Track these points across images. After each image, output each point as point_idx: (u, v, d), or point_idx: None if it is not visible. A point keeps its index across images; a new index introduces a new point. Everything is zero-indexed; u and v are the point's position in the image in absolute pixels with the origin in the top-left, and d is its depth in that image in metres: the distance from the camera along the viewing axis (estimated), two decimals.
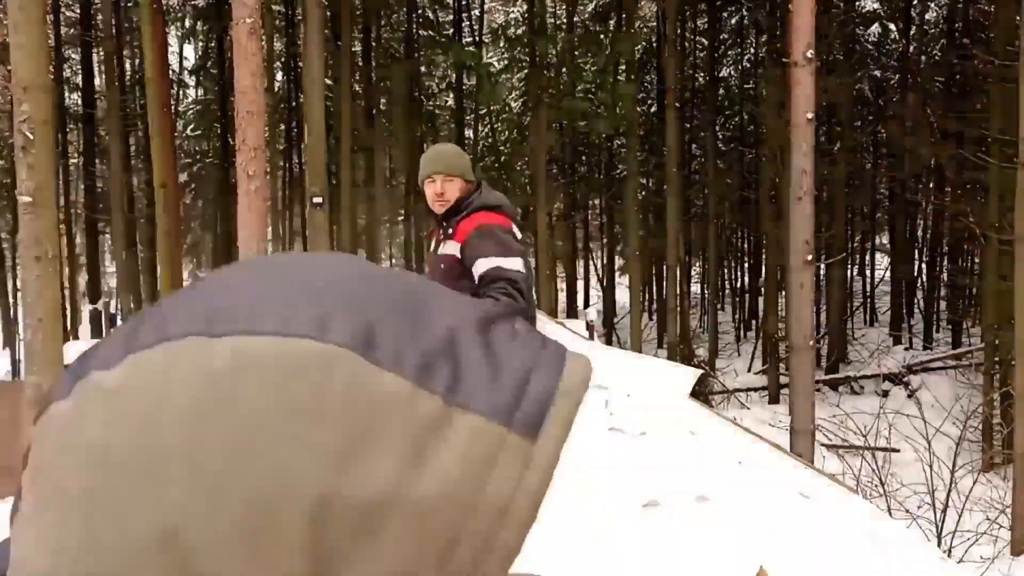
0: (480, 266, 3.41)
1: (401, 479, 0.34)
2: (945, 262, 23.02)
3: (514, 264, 3.39)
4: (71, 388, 0.39)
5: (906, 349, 20.93)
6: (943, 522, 9.49)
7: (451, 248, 3.55)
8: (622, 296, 26.61)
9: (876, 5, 19.28)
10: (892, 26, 20.37)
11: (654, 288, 29.34)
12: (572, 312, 25.40)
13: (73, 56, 22.95)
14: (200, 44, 23.29)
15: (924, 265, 23.81)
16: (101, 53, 20.06)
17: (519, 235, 3.65)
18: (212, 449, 0.34)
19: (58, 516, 0.36)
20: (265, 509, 0.33)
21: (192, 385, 0.36)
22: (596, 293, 30.71)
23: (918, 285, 24.00)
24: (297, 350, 0.36)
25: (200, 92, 25.50)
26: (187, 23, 23.38)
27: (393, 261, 30.95)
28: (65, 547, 0.36)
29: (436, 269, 3.60)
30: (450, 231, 3.60)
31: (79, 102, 21.93)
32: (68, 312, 19.96)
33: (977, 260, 23.85)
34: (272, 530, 0.33)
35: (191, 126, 24.84)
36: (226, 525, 0.34)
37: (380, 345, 0.36)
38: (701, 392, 18.01)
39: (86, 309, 21.43)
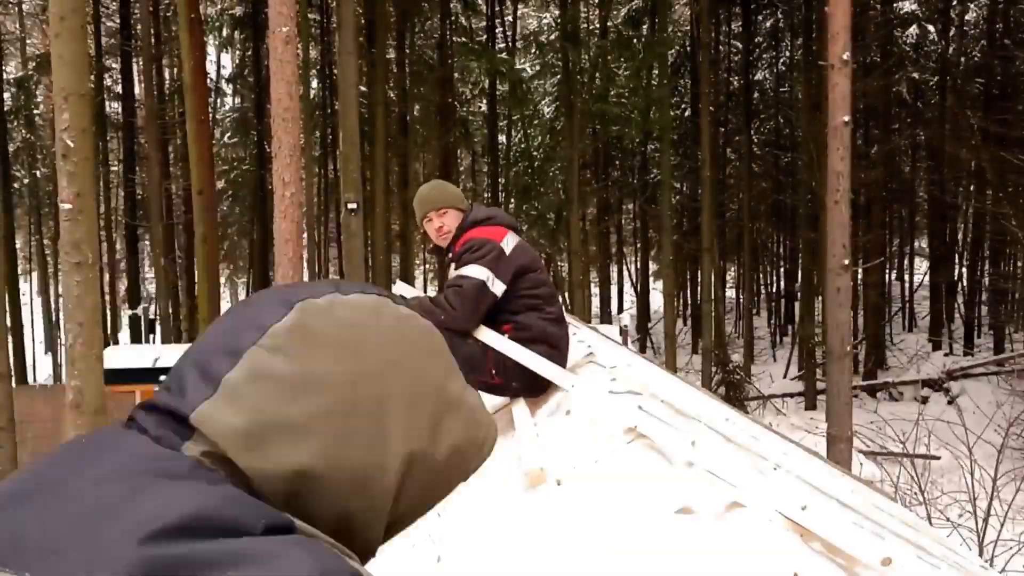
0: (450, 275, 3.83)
1: (464, 391, 0.80)
2: (986, 266, 22.61)
3: (470, 271, 3.70)
4: (313, 294, 0.72)
5: (946, 355, 20.59)
6: (985, 531, 9.31)
7: (455, 271, 3.82)
8: (656, 301, 26.48)
9: (914, 6, 19.02)
10: (931, 27, 20.07)
11: (688, 293, 29.18)
12: (606, 317, 25.32)
13: (113, 65, 23.36)
14: (237, 53, 23.59)
15: (964, 269, 23.40)
16: (140, 62, 20.39)
17: (512, 240, 3.85)
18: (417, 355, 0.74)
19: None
20: (439, 399, 0.74)
21: (393, 316, 0.73)
22: (630, 298, 30.60)
23: (958, 289, 23.59)
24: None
25: (237, 100, 25.83)
26: (224, 32, 23.68)
27: (427, 266, 31.08)
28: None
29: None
30: (451, 256, 3.93)
31: (119, 110, 22.31)
32: (108, 317, 20.29)
33: (1019, 263, 23.45)
34: (437, 410, 0.74)
35: (228, 133, 25.15)
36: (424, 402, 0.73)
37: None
38: (735, 397, 17.86)
39: (126, 314, 21.78)
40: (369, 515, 0.69)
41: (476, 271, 3.69)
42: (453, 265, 3.84)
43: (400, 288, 5.70)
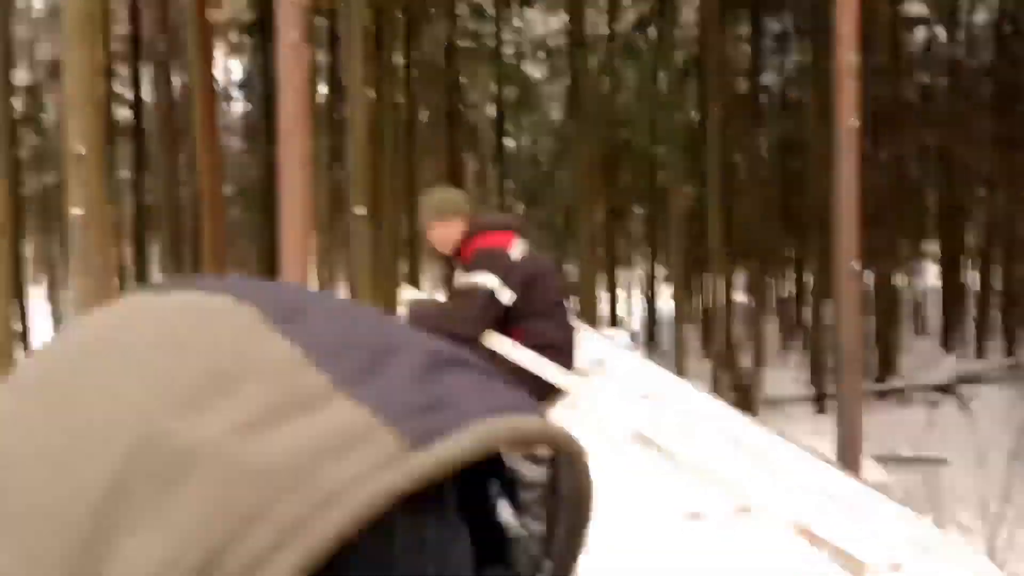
0: (458, 281, 3.82)
1: (235, 435, 0.29)
2: (997, 270, 22.50)
3: (479, 279, 3.68)
4: None
5: (957, 359, 20.48)
6: (996, 536, 9.24)
7: (462, 277, 3.82)
8: (665, 306, 26.42)
9: (923, 9, 18.97)
10: (939, 30, 20.01)
11: (698, 297, 29.10)
12: (614, 322, 25.29)
13: (122, 72, 23.45)
14: (246, 59, 23.68)
15: (976, 273, 23.28)
16: (150, 69, 20.47)
17: (520, 247, 3.84)
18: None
19: None
20: (91, 429, 0.30)
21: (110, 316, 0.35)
22: (638, 303, 30.54)
23: (969, 294, 23.48)
24: (207, 298, 0.34)
25: (246, 106, 25.93)
26: (233, 39, 23.80)
27: (435, 272, 31.11)
28: None
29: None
30: (458, 263, 3.92)
31: (129, 116, 22.40)
32: None
33: None
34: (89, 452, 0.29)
35: (237, 140, 25.24)
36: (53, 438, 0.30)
37: (296, 323, 0.33)
38: (745, 402, 17.80)
39: None
40: None
41: (485, 279, 3.69)
42: (460, 272, 3.84)
43: (408, 293, 5.70)
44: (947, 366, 19.41)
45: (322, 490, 0.27)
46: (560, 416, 3.65)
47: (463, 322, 3.66)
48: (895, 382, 19.34)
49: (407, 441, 0.29)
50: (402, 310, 4.06)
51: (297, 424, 0.29)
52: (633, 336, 14.13)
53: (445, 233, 3.97)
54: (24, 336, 17.29)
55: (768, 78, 24.74)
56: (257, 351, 0.31)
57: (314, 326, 0.33)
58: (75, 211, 6.20)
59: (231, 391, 0.30)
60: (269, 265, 20.50)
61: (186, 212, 20.43)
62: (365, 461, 0.28)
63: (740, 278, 28.07)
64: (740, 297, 27.87)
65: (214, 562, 0.27)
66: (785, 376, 21.75)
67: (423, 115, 23.00)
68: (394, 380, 0.31)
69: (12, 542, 0.29)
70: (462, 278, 3.79)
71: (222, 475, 0.28)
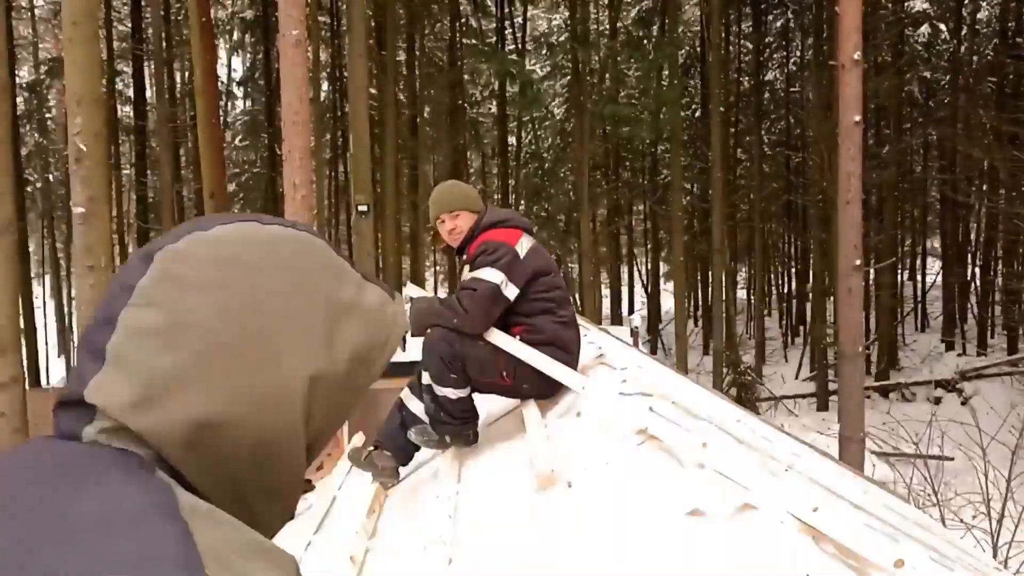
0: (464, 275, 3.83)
1: (357, 295, 0.75)
2: (999, 266, 22.47)
3: (485, 274, 3.70)
4: (170, 241, 0.69)
5: (959, 355, 20.47)
6: (999, 533, 9.25)
7: (468, 272, 3.80)
8: (667, 302, 26.42)
9: (925, 5, 18.92)
10: (942, 26, 19.97)
11: (699, 294, 29.11)
12: (616, 318, 25.29)
13: (124, 69, 23.47)
14: (248, 56, 23.69)
15: (977, 269, 23.26)
16: (152, 66, 20.48)
17: (526, 244, 3.84)
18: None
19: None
20: (329, 309, 0.71)
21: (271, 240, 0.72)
22: (640, 299, 30.55)
23: (971, 290, 23.46)
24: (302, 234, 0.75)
25: (248, 103, 25.94)
26: (235, 36, 23.80)
27: (437, 268, 31.11)
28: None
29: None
30: (465, 258, 3.90)
31: (131, 114, 22.42)
32: None
33: None
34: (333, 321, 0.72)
35: (239, 136, 25.25)
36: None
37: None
38: (747, 399, 17.81)
39: None
40: (284, 444, 0.67)
41: (490, 274, 3.68)
42: (467, 267, 3.83)
43: (410, 290, 5.69)
44: (949, 362, 19.40)
45: (393, 318, 0.79)
46: (560, 414, 3.65)
47: (467, 318, 3.65)
48: (897, 378, 19.34)
49: (393, 300, 0.80)
50: (406, 306, 4.01)
51: (370, 291, 0.78)
52: (635, 333, 14.12)
53: (454, 227, 3.97)
54: (29, 333, 17.31)
55: (771, 74, 24.72)
56: (341, 262, 0.76)
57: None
58: (77, 209, 6.21)
59: (343, 277, 0.75)
60: None
61: (189, 209, 20.47)
62: (395, 307, 0.80)
63: (742, 274, 28.10)
64: (742, 293, 27.90)
65: (376, 341, 0.76)
66: (787, 373, 21.75)
67: (425, 111, 22.99)
68: (369, 274, 0.78)
69: (292, 335, 0.68)
70: (468, 273, 3.79)
71: (368, 309, 0.76)
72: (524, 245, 3.81)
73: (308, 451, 0.71)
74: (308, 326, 0.69)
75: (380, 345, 0.76)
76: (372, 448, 4.00)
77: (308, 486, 0.76)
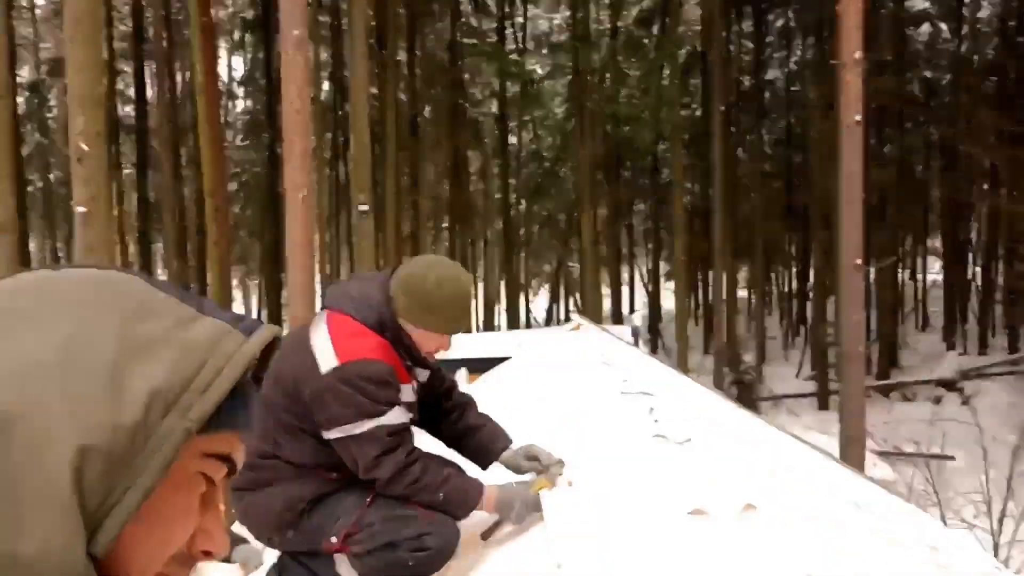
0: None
1: (176, 329, 0.58)
2: (1001, 265, 22.46)
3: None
4: None
5: (960, 355, 20.46)
6: (1000, 532, 9.24)
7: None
8: (668, 302, 26.42)
9: (926, 4, 18.93)
10: (943, 25, 19.96)
11: (700, 293, 29.10)
12: (617, 318, 25.28)
13: (125, 69, 23.48)
14: (248, 56, 23.69)
15: (979, 269, 23.26)
16: (153, 66, 20.49)
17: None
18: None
19: None
20: (111, 356, 0.57)
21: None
22: (641, 299, 30.53)
23: (972, 289, 23.45)
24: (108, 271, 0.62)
25: (248, 103, 25.94)
26: (236, 36, 23.80)
27: None
28: None
29: None
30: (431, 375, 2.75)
31: (132, 114, 22.43)
32: None
33: None
34: None
35: (239, 136, 25.26)
36: None
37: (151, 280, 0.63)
38: (748, 398, 17.81)
39: None
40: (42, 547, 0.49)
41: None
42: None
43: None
44: (950, 362, 19.39)
45: (228, 353, 0.58)
46: (563, 412, 3.65)
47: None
48: (898, 378, 19.33)
49: (245, 335, 0.60)
50: None
51: (200, 324, 0.59)
52: (636, 332, 14.12)
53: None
54: None
55: (772, 73, 24.71)
56: (156, 296, 0.60)
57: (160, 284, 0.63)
58: (79, 208, 6.21)
59: (153, 313, 0.58)
60: (272, 261, 20.53)
61: (190, 209, 20.48)
62: (237, 341, 0.59)
63: (743, 274, 28.09)
64: (743, 293, 27.89)
65: (185, 369, 0.56)
66: (788, 372, 21.75)
67: (426, 111, 22.99)
68: (219, 310, 0.62)
69: (52, 404, 0.52)
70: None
71: (180, 346, 0.57)
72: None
73: (98, 529, 0.51)
74: (81, 383, 0.53)
75: (200, 383, 0.56)
76: None
77: None
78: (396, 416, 2.37)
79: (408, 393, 2.47)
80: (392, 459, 2.36)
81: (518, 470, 2.59)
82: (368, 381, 2.32)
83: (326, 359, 2.35)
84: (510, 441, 2.65)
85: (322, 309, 2.55)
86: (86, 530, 0.50)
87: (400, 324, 2.44)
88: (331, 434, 2.36)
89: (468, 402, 2.78)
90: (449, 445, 2.73)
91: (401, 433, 2.39)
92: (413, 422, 2.55)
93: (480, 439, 2.66)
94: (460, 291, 2.44)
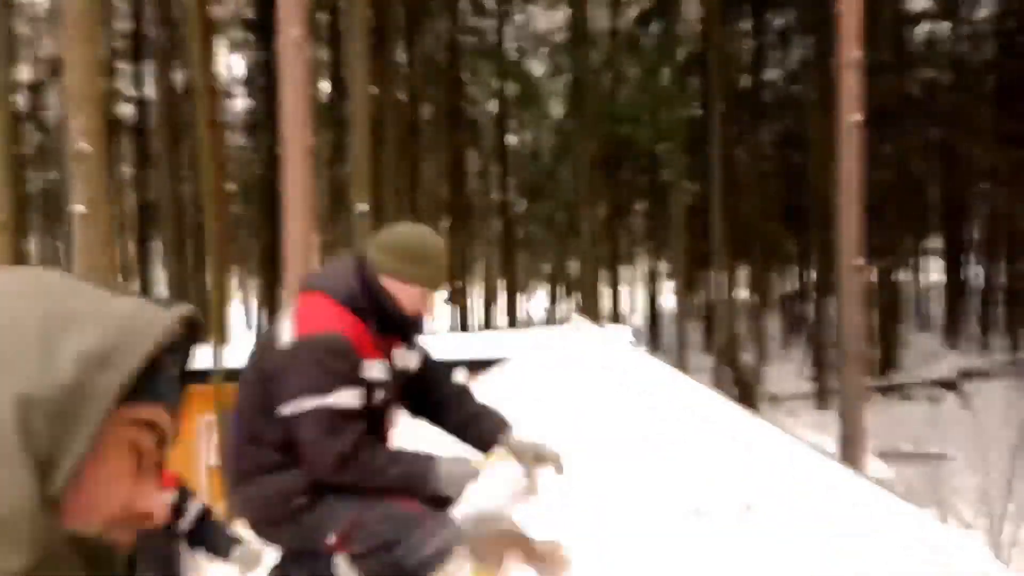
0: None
1: (102, 303, 0.63)
2: (1001, 265, 22.47)
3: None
4: None
5: (960, 355, 20.47)
6: (1000, 531, 9.25)
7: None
8: (667, 302, 26.43)
9: (926, 4, 18.93)
10: (942, 25, 19.97)
11: (700, 293, 29.10)
12: (616, 318, 25.28)
13: (125, 68, 23.47)
14: (248, 55, 23.68)
15: (979, 269, 23.27)
16: (152, 66, 20.48)
17: None
18: None
19: None
20: (42, 325, 0.61)
21: None
22: (641, 299, 30.54)
23: (972, 289, 23.46)
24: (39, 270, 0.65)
25: (248, 102, 25.92)
26: (235, 35, 23.78)
27: None
28: None
29: None
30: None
31: (130, 113, 22.42)
32: None
33: None
34: None
35: (239, 136, 25.23)
36: None
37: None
38: (747, 398, 17.81)
39: None
40: None
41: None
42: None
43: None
44: (950, 362, 19.40)
45: (149, 319, 0.62)
46: (562, 413, 3.65)
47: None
48: (898, 378, 19.33)
49: (164, 309, 0.64)
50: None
51: (121, 300, 0.63)
52: (635, 332, 14.15)
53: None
54: None
55: (770, 73, 24.71)
56: (81, 283, 0.64)
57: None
58: (78, 208, 6.20)
59: (75, 294, 0.62)
60: (271, 261, 20.53)
61: (188, 208, 20.46)
62: (157, 311, 0.63)
63: (742, 274, 28.09)
64: (742, 293, 27.89)
65: (115, 348, 0.59)
66: (787, 372, 21.74)
67: (425, 111, 22.99)
68: (130, 292, 0.65)
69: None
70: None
71: (106, 315, 0.61)
72: None
73: (48, 472, 0.56)
74: (13, 343, 0.58)
75: (124, 346, 0.61)
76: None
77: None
78: (346, 398, 2.28)
79: (378, 370, 2.39)
80: (332, 445, 2.27)
81: (520, 458, 2.57)
82: (322, 352, 2.26)
83: (284, 334, 2.33)
84: (510, 427, 2.62)
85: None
86: (38, 472, 0.55)
87: (381, 287, 2.39)
88: (283, 411, 2.29)
89: (464, 390, 2.73)
90: (449, 433, 2.70)
91: (349, 418, 2.30)
92: (394, 404, 2.53)
93: (481, 426, 2.61)
94: (439, 245, 2.45)
